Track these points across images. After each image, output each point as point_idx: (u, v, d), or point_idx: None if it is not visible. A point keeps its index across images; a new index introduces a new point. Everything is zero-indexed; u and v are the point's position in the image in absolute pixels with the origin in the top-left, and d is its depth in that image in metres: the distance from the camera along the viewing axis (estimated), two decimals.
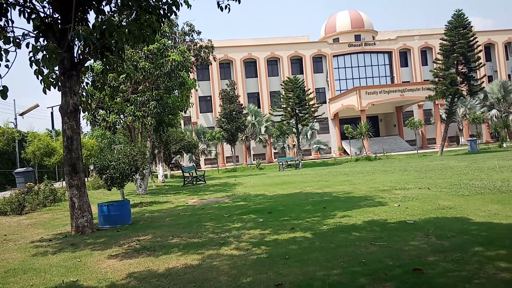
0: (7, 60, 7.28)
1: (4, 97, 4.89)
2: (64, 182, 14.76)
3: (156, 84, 17.74)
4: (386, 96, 41.61)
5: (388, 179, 15.51)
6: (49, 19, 8.52)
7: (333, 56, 49.86)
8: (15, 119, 33.95)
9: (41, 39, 8.35)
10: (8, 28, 7.70)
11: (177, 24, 32.88)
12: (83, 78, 10.50)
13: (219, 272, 5.10)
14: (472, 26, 32.46)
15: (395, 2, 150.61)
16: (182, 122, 44.93)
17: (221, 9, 8.43)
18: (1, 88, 5.82)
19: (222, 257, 5.80)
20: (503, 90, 45.31)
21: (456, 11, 31.83)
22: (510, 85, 45.69)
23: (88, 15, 8.96)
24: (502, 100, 45.32)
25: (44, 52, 7.76)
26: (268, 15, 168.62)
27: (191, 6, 8.60)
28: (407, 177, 15.72)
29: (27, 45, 7.78)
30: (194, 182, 22.23)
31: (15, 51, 7.54)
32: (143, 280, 5.01)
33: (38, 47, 7.75)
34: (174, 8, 8.35)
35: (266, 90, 48.38)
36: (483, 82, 34.01)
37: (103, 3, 8.66)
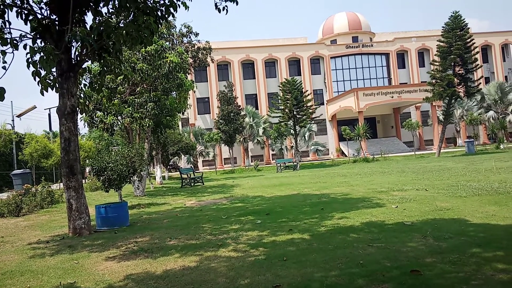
0: (4, 62, 7.27)
1: (1, 98, 4.88)
2: (61, 184, 14.74)
3: (154, 86, 17.73)
4: (383, 98, 41.69)
5: (386, 181, 15.53)
6: (47, 20, 8.51)
7: (331, 57, 49.94)
8: (13, 120, 33.88)
9: (38, 41, 8.34)
10: (6, 29, 7.70)
11: (175, 25, 32.92)
12: (80, 79, 10.48)
13: (217, 273, 5.10)
14: (469, 28, 32.57)
15: (392, 3, 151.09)
16: (180, 123, 44.96)
17: (219, 11, 8.44)
18: None
19: (220, 259, 5.79)
20: (500, 91, 45.45)
21: (453, 13, 31.93)
22: (507, 87, 45.84)
23: (86, 16, 8.96)
24: (499, 101, 45.46)
25: (42, 54, 7.77)
26: (266, 17, 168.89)
27: (188, 7, 8.62)
28: (405, 179, 15.74)
29: (25, 47, 7.80)
30: (192, 184, 22.20)
31: (13, 52, 7.54)
32: (140, 282, 5.00)
33: (35, 49, 7.76)
34: (171, 9, 8.36)
35: (264, 92, 48.40)
36: (480, 83, 34.13)
37: (101, 5, 8.66)
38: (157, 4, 8.33)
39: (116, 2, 8.44)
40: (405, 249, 5.56)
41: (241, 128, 40.41)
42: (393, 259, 5.11)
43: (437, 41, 33.57)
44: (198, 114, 47.54)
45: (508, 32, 53.58)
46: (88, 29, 8.40)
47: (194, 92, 42.45)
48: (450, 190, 11.22)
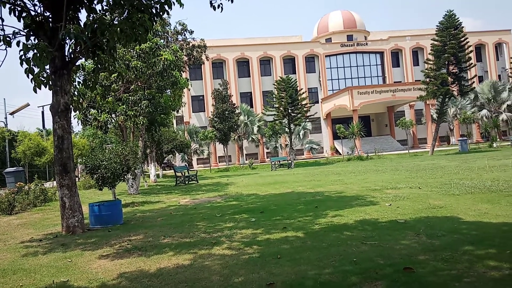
0: None
1: None
2: (54, 182, 14.65)
3: (148, 83, 17.67)
4: (378, 96, 41.83)
5: (380, 179, 15.60)
6: (40, 17, 8.45)
7: (326, 56, 50.01)
8: (6, 118, 33.65)
9: (32, 38, 8.27)
10: None
11: (170, 23, 32.82)
12: (74, 77, 10.43)
13: (211, 272, 5.10)
14: (463, 27, 32.74)
15: (387, 2, 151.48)
16: (174, 121, 44.80)
17: (214, 8, 8.41)
18: None
19: (214, 257, 5.79)
20: (493, 90, 45.77)
21: (448, 12, 32.08)
22: (500, 86, 46.17)
23: (80, 13, 8.90)
24: (492, 100, 45.78)
25: (35, 51, 7.70)
26: (261, 15, 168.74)
27: (183, 5, 8.58)
28: (398, 177, 15.82)
29: (18, 44, 7.73)
30: (186, 182, 22.17)
31: (6, 49, 7.48)
32: (134, 280, 4.99)
33: (28, 46, 7.69)
34: (166, 7, 8.32)
35: (259, 90, 48.39)
36: (473, 82, 34.35)
37: (95, 2, 8.61)
38: (152, 2, 8.29)
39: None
40: (398, 246, 5.59)
41: (235, 126, 40.40)
42: (386, 256, 5.14)
43: (431, 40, 33.74)
44: (192, 112, 47.44)
45: (502, 31, 53.94)
46: (82, 26, 8.34)
47: (189, 90, 42.31)
48: (443, 188, 11.29)
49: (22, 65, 7.79)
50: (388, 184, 13.34)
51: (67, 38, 7.71)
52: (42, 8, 8.48)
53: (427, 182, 13.07)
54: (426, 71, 33.08)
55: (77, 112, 16.76)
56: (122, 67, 15.26)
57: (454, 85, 32.47)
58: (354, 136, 37.66)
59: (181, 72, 21.75)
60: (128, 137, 19.85)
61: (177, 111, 24.40)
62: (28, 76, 7.97)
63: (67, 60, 8.76)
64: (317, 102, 48.81)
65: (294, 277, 4.64)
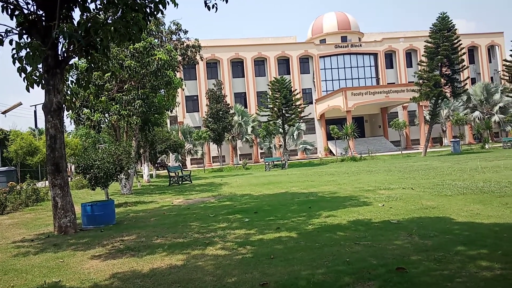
0: None
1: None
2: (47, 182, 14.57)
3: (142, 83, 17.60)
4: (371, 97, 41.98)
5: (373, 179, 15.66)
6: (33, 16, 8.39)
7: (320, 57, 50.11)
8: None
9: (24, 36, 8.21)
10: None
11: (164, 22, 32.72)
12: (67, 76, 10.36)
13: (204, 272, 5.09)
14: (456, 29, 32.98)
15: (381, 4, 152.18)
16: (168, 121, 44.66)
17: (208, 8, 8.39)
18: None
19: (207, 257, 5.78)
20: (485, 92, 46.13)
21: (441, 14, 32.29)
22: (492, 88, 46.53)
23: (73, 12, 8.85)
24: (484, 102, 46.14)
25: (28, 50, 7.65)
26: (256, 16, 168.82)
27: (178, 4, 8.56)
28: (391, 178, 15.89)
29: (10, 42, 7.67)
30: (180, 182, 22.12)
31: None
32: (126, 281, 4.96)
33: (21, 44, 7.64)
34: (160, 6, 8.30)
35: (253, 90, 48.38)
36: (466, 84, 34.63)
37: (89, 1, 8.56)
38: (146, 1, 8.26)
39: None
40: (391, 247, 5.61)
41: (229, 127, 40.35)
42: (379, 257, 5.16)
43: (425, 41, 33.93)
44: (186, 112, 47.32)
45: (494, 33, 54.38)
46: (76, 25, 8.29)
47: (183, 90, 42.27)
48: (436, 189, 11.36)
49: (15, 64, 7.73)
50: (381, 185, 13.40)
51: (61, 37, 7.66)
52: (35, 7, 8.43)
53: (420, 183, 13.14)
54: (419, 72, 33.27)
55: (70, 111, 16.64)
56: (115, 67, 15.20)
57: (447, 86, 32.69)
58: (347, 137, 37.77)
59: (175, 72, 21.69)
60: (121, 137, 19.76)
61: (171, 111, 24.34)
62: (20, 75, 7.92)
63: (60, 59, 8.70)
64: (311, 103, 48.89)
65: (287, 277, 4.64)
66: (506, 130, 45.96)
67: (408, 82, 46.68)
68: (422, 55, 34.64)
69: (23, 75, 7.95)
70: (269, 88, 35.93)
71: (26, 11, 8.33)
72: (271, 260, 5.37)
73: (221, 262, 5.45)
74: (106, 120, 18.25)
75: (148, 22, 8.72)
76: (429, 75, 31.97)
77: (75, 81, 10.02)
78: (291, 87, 35.94)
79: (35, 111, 39.51)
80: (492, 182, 11.65)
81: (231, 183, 19.66)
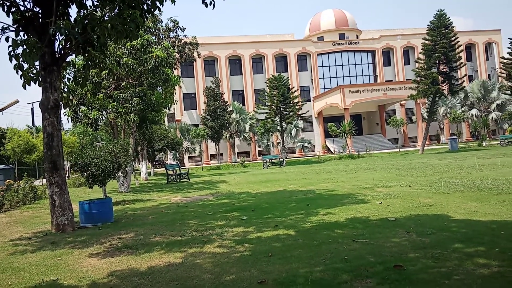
0: None
1: None
2: (44, 180, 14.53)
3: (139, 81, 17.55)
4: (369, 95, 42.02)
5: (371, 177, 15.68)
6: (30, 13, 8.35)
7: (318, 54, 50.10)
8: None
9: (21, 33, 8.17)
10: None
11: (161, 20, 32.61)
12: (64, 73, 10.33)
13: (202, 270, 5.09)
14: (453, 26, 32.99)
15: (378, 1, 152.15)
16: (166, 119, 44.64)
17: (206, 5, 8.36)
18: None
19: (205, 255, 5.78)
20: (483, 89, 46.23)
21: (439, 11, 32.30)
22: (490, 85, 46.63)
23: (70, 9, 8.80)
24: (482, 99, 46.24)
25: (24, 47, 7.61)
26: (253, 13, 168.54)
27: (175, 1, 8.54)
28: (389, 175, 15.91)
29: (7, 39, 7.62)
30: (178, 180, 22.10)
31: None
32: (124, 279, 4.96)
33: (18, 41, 7.60)
34: (158, 3, 8.26)
35: (251, 88, 48.35)
36: (463, 81, 34.63)
37: None
38: None
39: None
40: (388, 244, 5.62)
41: (227, 124, 40.33)
42: (377, 254, 5.17)
43: (422, 39, 33.95)
44: (184, 109, 47.27)
45: (492, 31, 54.46)
46: (73, 22, 8.25)
47: (181, 87, 42.19)
48: (433, 186, 11.38)
49: (11, 61, 7.70)
50: (379, 183, 13.42)
51: (57, 33, 7.63)
52: (31, 4, 8.38)
53: (417, 181, 13.17)
54: (417, 70, 33.29)
55: (67, 109, 16.60)
56: (113, 64, 15.14)
57: (445, 84, 32.72)
58: (345, 135, 37.81)
59: (173, 69, 21.64)
60: (119, 134, 19.71)
61: (169, 109, 24.21)
62: (17, 72, 7.87)
63: (57, 56, 8.67)
64: (309, 100, 48.91)
65: (285, 275, 4.64)
66: (504, 127, 46.08)
67: (406, 79, 46.75)
68: (420, 53, 34.65)
69: (19, 72, 7.91)
70: (267, 86, 35.91)
71: (22, 8, 8.28)
72: (269, 258, 5.37)
73: (219, 260, 5.45)
74: (104, 118, 18.21)
75: (145, 19, 8.69)
76: (426, 72, 32.00)
77: (72, 79, 9.98)
78: (289, 84, 35.96)
79: (32, 109, 39.44)
80: (490, 180, 11.68)
81: (229, 181, 19.66)
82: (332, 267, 4.77)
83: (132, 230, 8.19)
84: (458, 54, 32.46)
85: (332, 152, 42.55)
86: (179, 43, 34.86)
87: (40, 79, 8.53)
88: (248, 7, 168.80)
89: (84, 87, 10.63)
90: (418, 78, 33.08)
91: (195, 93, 47.37)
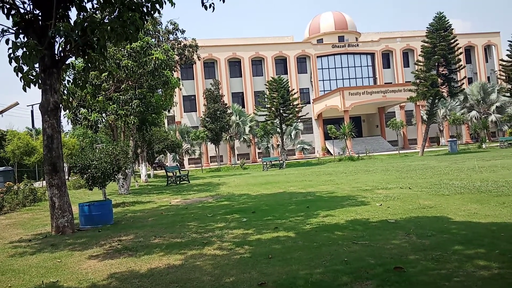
0: None
1: None
2: (44, 182, 14.54)
3: (139, 83, 17.57)
4: (368, 97, 42.04)
5: (371, 179, 15.68)
6: (30, 15, 8.36)
7: (317, 56, 50.14)
8: None
9: (21, 36, 8.18)
10: None
11: (161, 22, 32.67)
12: (64, 75, 10.34)
13: (202, 272, 5.08)
14: (453, 29, 33.06)
15: (378, 4, 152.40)
16: (165, 121, 44.61)
17: (205, 8, 8.38)
18: None
19: (205, 257, 5.77)
20: (482, 92, 46.26)
21: (438, 14, 32.36)
22: (489, 87, 46.66)
23: (70, 12, 8.81)
24: (481, 101, 46.26)
25: (24, 49, 7.62)
26: (253, 15, 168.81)
27: (175, 4, 8.56)
28: (389, 177, 15.91)
29: (7, 42, 7.64)
30: (178, 182, 22.09)
31: None
32: (124, 281, 4.95)
33: (18, 44, 7.61)
34: (157, 6, 8.28)
35: (251, 90, 48.37)
36: (463, 84, 34.69)
37: (85, 0, 8.53)
38: (143, 0, 8.24)
39: None
40: (388, 246, 5.62)
41: (227, 126, 40.32)
42: (377, 256, 5.16)
43: (422, 41, 34.01)
44: (184, 112, 47.27)
45: (491, 33, 54.51)
46: (72, 24, 8.27)
47: (180, 89, 42.19)
48: (433, 188, 11.38)
49: (11, 63, 7.71)
50: (378, 185, 13.42)
51: (57, 36, 7.64)
52: (31, 6, 8.40)
53: (417, 183, 13.16)
54: (416, 72, 33.34)
55: (67, 111, 16.61)
56: (112, 66, 15.15)
57: (444, 86, 32.76)
58: (345, 137, 37.81)
59: (173, 71, 21.68)
60: (118, 136, 19.71)
61: (169, 111, 24.24)
62: (17, 75, 7.89)
63: (57, 58, 8.68)
64: (309, 102, 48.92)
65: (285, 277, 4.64)
66: (503, 129, 46.10)
67: (405, 81, 46.77)
68: (419, 55, 34.71)
69: (19, 74, 7.93)
70: (267, 88, 35.93)
71: (22, 11, 8.30)
72: (269, 260, 5.37)
73: (219, 262, 5.44)
74: (103, 120, 18.21)
75: (145, 22, 8.71)
76: (426, 74, 32.04)
77: (72, 81, 9.99)
78: (289, 86, 35.97)
79: (32, 111, 39.45)
80: (489, 182, 11.69)
81: (229, 183, 19.65)
82: (332, 269, 4.77)
83: (132, 232, 8.19)
84: (458, 57, 32.50)
85: (332, 154, 42.55)
86: (179, 45, 34.89)
87: (40, 81, 8.54)
88: (247, 10, 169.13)
89: (84, 89, 10.66)
90: (418, 80, 33.12)
91: (195, 95, 47.38)
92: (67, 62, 9.32)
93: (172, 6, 8.58)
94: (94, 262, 5.94)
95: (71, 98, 11.27)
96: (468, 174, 14.59)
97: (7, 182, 16.35)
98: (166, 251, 6.30)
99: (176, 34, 34.78)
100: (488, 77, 53.08)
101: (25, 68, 7.96)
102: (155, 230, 8.16)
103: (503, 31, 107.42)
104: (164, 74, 17.55)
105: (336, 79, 50.91)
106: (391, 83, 49.28)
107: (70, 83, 10.66)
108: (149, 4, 8.27)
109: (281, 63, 49.95)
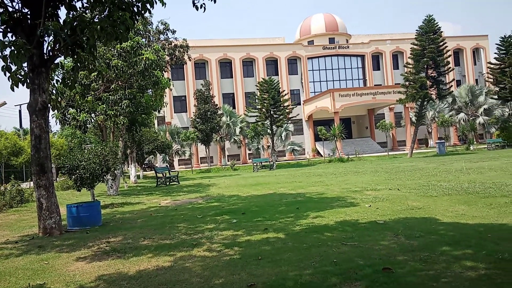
0: None
1: None
2: (31, 182, 14.37)
3: (129, 83, 17.45)
4: (358, 99, 42.31)
5: (360, 180, 15.76)
6: (18, 14, 8.27)
7: (308, 58, 50.33)
8: None
9: (9, 34, 8.09)
10: None
11: (152, 22, 32.51)
12: (52, 75, 10.24)
13: (191, 273, 5.06)
14: (442, 32, 33.41)
15: (368, 6, 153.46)
16: (155, 122, 44.35)
17: (196, 8, 8.36)
18: None
19: (194, 259, 5.75)
20: (470, 94, 46.81)
21: (427, 17, 32.68)
22: (477, 90, 47.24)
23: (59, 11, 8.74)
24: (469, 104, 46.82)
25: (12, 48, 7.53)
26: (244, 16, 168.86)
27: (165, 4, 8.52)
28: (378, 178, 16.01)
29: None
30: (168, 183, 21.98)
31: None
32: (112, 283, 4.91)
33: (6, 43, 7.52)
34: (148, 5, 8.23)
35: (241, 91, 48.36)
36: (451, 86, 35.08)
37: None
38: (133, 0, 8.19)
39: None
40: (377, 247, 5.65)
41: (218, 127, 40.27)
42: (366, 257, 5.19)
43: (411, 44, 34.32)
44: (174, 112, 47.09)
45: (479, 36, 55.23)
46: (62, 23, 8.19)
47: (171, 90, 42.01)
48: (422, 189, 11.47)
49: None
50: (368, 186, 13.49)
51: (46, 35, 7.56)
52: (20, 5, 8.30)
53: (406, 184, 13.27)
54: (406, 74, 33.63)
55: (55, 111, 16.43)
56: (102, 66, 15.05)
57: (433, 88, 33.10)
58: (335, 138, 37.97)
59: (163, 72, 21.58)
60: (108, 137, 19.56)
61: (159, 111, 24.15)
62: (5, 74, 7.79)
63: (45, 58, 8.59)
64: (299, 104, 49.08)
65: (274, 278, 4.64)
66: (491, 131, 46.66)
67: (395, 84, 47.15)
68: (409, 57, 35.01)
69: (7, 74, 7.83)
70: (257, 89, 35.95)
71: (10, 9, 8.20)
72: (258, 261, 5.36)
73: (209, 264, 5.43)
74: (93, 120, 18.06)
75: (136, 22, 8.66)
76: (415, 77, 32.34)
77: (60, 81, 9.90)
78: (279, 88, 36.03)
79: (20, 111, 39.03)
80: (477, 183, 11.82)
81: (219, 184, 19.61)
82: (321, 270, 4.78)
83: (121, 233, 8.13)
84: (446, 59, 32.88)
85: (322, 156, 42.69)
86: (170, 45, 34.76)
87: (28, 81, 8.45)
88: (239, 11, 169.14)
89: (73, 89, 10.56)
90: (407, 83, 33.41)
91: (185, 96, 47.24)
92: (56, 62, 9.23)
93: (163, 6, 8.54)
94: (82, 264, 5.88)
95: (59, 98, 11.14)
96: (456, 175, 14.74)
97: None
98: (155, 252, 6.26)
99: (167, 34, 34.66)
100: (476, 80, 53.76)
101: (13, 67, 7.87)
102: (144, 232, 8.11)
103: (491, 34, 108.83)
104: (154, 74, 17.45)
105: (326, 81, 51.14)
106: (380, 85, 49.67)
107: (59, 83, 10.56)
108: (139, 4, 8.22)
109: (272, 64, 50.04)
